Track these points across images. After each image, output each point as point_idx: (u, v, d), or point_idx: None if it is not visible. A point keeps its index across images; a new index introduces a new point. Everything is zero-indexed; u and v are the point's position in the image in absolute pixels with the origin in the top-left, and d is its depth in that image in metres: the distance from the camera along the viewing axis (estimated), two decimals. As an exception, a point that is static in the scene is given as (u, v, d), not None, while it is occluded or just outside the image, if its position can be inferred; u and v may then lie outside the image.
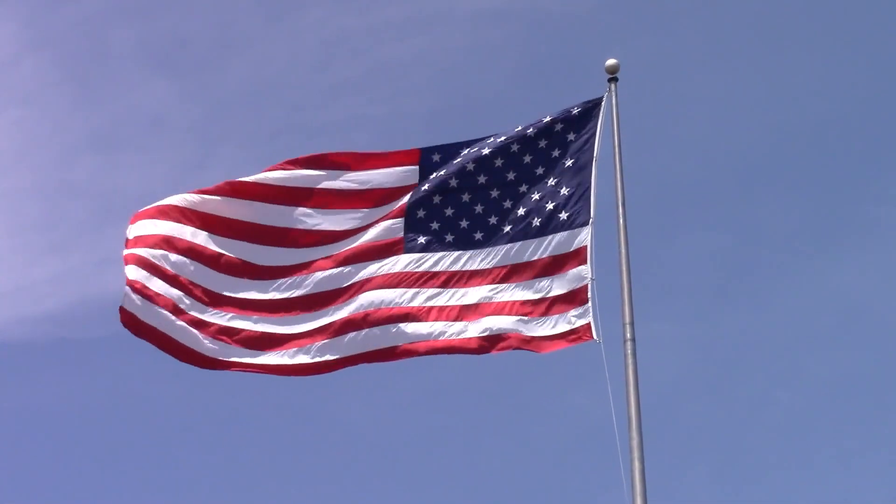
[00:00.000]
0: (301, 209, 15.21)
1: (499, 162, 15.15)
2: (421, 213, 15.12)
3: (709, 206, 34.56)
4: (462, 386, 31.67)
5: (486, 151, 15.11)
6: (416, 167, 15.26)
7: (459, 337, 14.42)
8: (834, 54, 35.56)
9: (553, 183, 14.95)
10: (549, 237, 14.65)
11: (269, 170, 15.25)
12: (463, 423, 31.35)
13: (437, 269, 14.82)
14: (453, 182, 15.13)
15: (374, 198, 15.22)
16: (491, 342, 14.33)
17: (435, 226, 15.08)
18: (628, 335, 13.48)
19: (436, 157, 15.29)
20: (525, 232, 14.77)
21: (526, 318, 14.33)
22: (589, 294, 14.15)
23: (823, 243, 33.90)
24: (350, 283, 14.87)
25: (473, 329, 14.42)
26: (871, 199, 33.75)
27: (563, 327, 14.16)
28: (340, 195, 15.21)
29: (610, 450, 13.04)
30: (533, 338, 14.21)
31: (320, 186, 15.23)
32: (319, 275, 14.95)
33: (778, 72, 35.34)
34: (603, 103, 15.06)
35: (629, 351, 13.40)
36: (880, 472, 29.21)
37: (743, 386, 31.71)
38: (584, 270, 14.30)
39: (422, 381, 31.77)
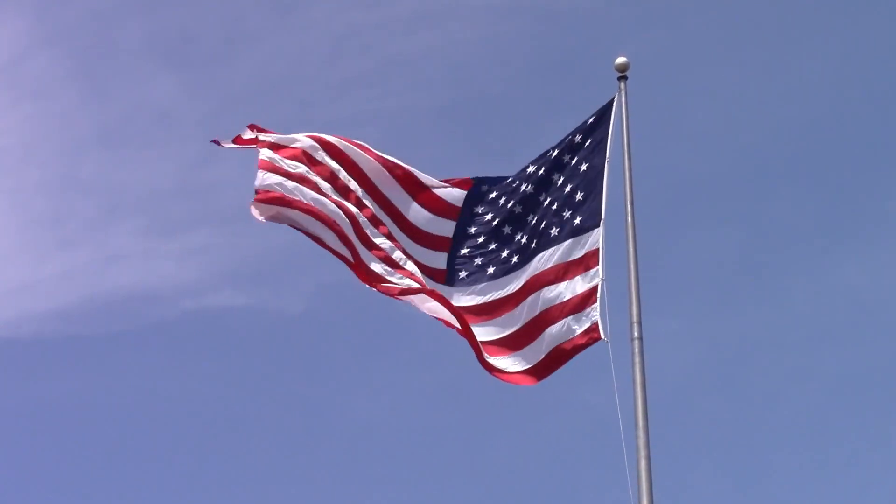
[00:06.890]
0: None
1: (530, 186, 15.24)
2: (465, 251, 15.26)
3: (719, 202, 34.50)
4: (468, 382, 31.60)
5: (518, 183, 15.33)
6: (465, 193, 15.47)
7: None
8: (845, 49, 35.46)
9: (569, 189, 14.91)
10: (564, 243, 14.58)
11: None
12: (469, 419, 31.33)
13: (486, 300, 14.87)
14: (491, 216, 15.31)
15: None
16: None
17: (478, 261, 15.17)
18: (635, 334, 13.44)
19: (485, 188, 15.48)
20: (546, 242, 14.74)
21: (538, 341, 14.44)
22: (598, 294, 14.06)
23: (834, 239, 33.81)
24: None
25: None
26: (883, 195, 33.64)
27: (573, 330, 14.08)
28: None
29: (616, 448, 12.99)
30: (546, 357, 14.34)
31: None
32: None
33: (788, 67, 35.29)
34: (614, 103, 14.98)
35: (636, 350, 13.37)
36: (891, 469, 29.13)
37: (753, 383, 31.64)
38: (595, 272, 14.21)
39: (428, 377, 31.76)
